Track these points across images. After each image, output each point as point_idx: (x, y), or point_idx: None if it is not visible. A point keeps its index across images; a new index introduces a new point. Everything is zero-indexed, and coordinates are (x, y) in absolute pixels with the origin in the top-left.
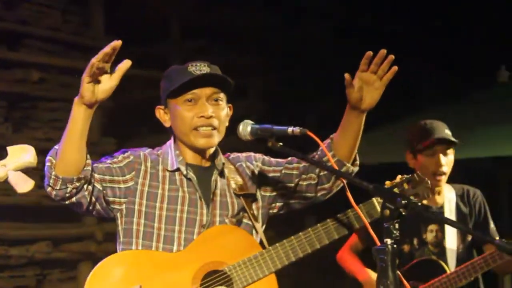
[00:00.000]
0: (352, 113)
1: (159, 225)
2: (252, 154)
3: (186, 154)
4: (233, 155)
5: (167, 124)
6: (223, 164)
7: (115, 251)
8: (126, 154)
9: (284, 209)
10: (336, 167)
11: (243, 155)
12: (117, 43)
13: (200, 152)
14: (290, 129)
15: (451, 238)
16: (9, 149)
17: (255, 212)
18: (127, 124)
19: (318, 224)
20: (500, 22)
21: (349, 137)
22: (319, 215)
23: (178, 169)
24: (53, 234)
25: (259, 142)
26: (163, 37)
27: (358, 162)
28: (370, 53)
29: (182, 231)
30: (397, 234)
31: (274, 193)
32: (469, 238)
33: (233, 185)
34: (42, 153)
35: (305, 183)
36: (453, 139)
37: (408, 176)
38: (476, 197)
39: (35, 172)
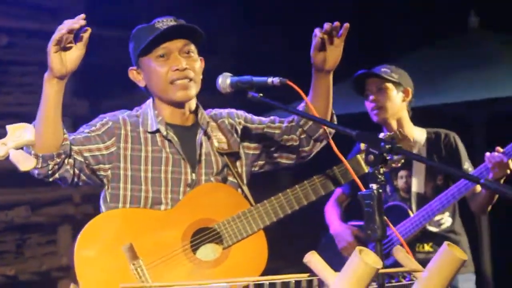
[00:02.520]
0: (319, 75)
1: (145, 187)
2: (234, 110)
3: (165, 113)
4: (215, 111)
5: (142, 84)
6: (208, 122)
7: (95, 213)
8: (104, 121)
9: (265, 168)
10: (315, 122)
11: (225, 111)
12: (82, 21)
13: (180, 108)
14: (270, 80)
15: (418, 183)
16: (8, 127)
17: (239, 170)
18: (98, 85)
19: (305, 181)
20: None
21: (321, 98)
22: (295, 173)
23: (158, 130)
24: (31, 199)
25: (237, 95)
26: None
27: (335, 118)
28: (328, 26)
29: (168, 191)
30: (382, 179)
31: (257, 151)
32: (439, 182)
33: (216, 143)
34: (14, 118)
35: (287, 143)
36: (379, 72)
37: (391, 133)
38: (447, 140)
39: None
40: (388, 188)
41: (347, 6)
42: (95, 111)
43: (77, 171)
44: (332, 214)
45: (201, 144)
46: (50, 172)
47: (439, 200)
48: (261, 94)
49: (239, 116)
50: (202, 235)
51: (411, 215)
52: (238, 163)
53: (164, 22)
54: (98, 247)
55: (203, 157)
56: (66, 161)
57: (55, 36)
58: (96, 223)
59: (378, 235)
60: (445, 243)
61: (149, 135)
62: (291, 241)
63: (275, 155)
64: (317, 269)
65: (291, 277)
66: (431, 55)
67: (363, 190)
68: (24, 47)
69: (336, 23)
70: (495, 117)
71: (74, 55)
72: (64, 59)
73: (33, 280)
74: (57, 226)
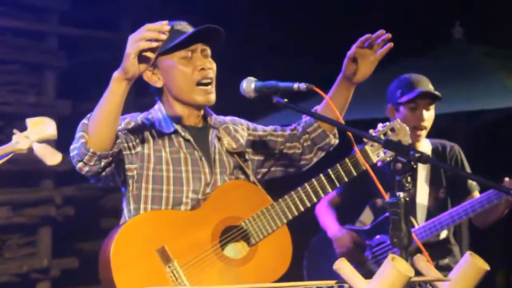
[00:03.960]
0: (343, 84)
1: (167, 187)
2: (236, 118)
3: (179, 115)
4: (218, 117)
5: (158, 84)
6: (219, 122)
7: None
8: (126, 121)
9: (267, 176)
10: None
11: (228, 118)
12: (167, 27)
13: (196, 110)
14: (296, 85)
15: (422, 194)
16: (29, 121)
17: (249, 170)
18: (82, 85)
19: (321, 174)
20: None
21: (338, 107)
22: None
23: (175, 131)
24: (12, 199)
25: (263, 99)
26: None
27: (337, 135)
28: (369, 35)
29: (190, 190)
30: (410, 187)
31: (261, 158)
32: (441, 195)
33: (226, 144)
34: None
35: (290, 151)
36: (436, 93)
37: (390, 123)
38: (452, 152)
39: None
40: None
41: (331, 16)
42: (79, 112)
43: (116, 170)
44: (328, 217)
45: (214, 145)
46: (100, 169)
47: (449, 215)
48: (286, 100)
49: (242, 123)
50: (230, 234)
51: (416, 226)
52: (247, 164)
53: (183, 25)
54: (133, 253)
55: (216, 156)
56: (113, 159)
57: (141, 45)
58: (128, 229)
59: (405, 243)
60: (468, 252)
61: (166, 137)
62: None
63: (277, 163)
64: (347, 276)
65: (321, 284)
66: (415, 66)
67: (378, 182)
68: (9, 46)
69: (381, 31)
70: (479, 128)
71: (152, 56)
72: (137, 62)
73: (12, 281)
74: (37, 227)
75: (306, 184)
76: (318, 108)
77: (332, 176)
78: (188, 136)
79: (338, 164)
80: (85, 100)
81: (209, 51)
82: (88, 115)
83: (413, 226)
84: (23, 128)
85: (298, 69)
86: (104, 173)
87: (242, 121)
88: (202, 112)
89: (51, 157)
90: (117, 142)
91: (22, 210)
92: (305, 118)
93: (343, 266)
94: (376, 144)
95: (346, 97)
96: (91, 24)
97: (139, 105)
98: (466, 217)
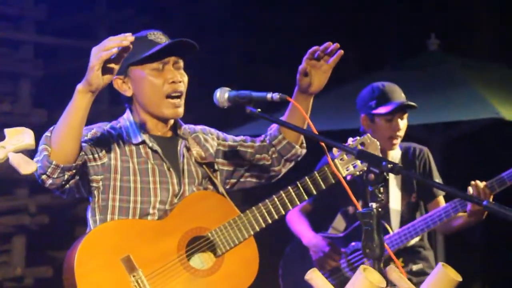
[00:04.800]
0: (300, 96)
1: (134, 198)
2: (206, 127)
3: (148, 125)
4: (187, 126)
5: (128, 94)
6: (188, 133)
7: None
8: (92, 131)
9: (236, 186)
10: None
11: (198, 127)
12: (131, 37)
13: (164, 121)
14: (269, 95)
15: (395, 199)
16: (7, 131)
17: (218, 181)
18: (58, 94)
19: (289, 186)
20: None
21: (298, 119)
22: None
23: (143, 142)
24: None
25: (236, 108)
26: (91, 7)
27: (305, 144)
28: (316, 48)
29: (157, 201)
30: (382, 197)
31: (231, 168)
32: (413, 199)
33: (195, 154)
34: None
35: (259, 162)
36: (414, 104)
37: (360, 138)
38: (421, 155)
39: None
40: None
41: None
42: (54, 121)
43: (80, 182)
44: (300, 224)
45: (182, 155)
46: (63, 182)
47: (423, 221)
48: (259, 110)
49: (212, 133)
50: (196, 244)
51: (391, 232)
52: (215, 174)
53: (157, 35)
54: (97, 261)
55: (185, 167)
56: (77, 172)
57: (104, 55)
58: (92, 238)
59: (377, 254)
60: (440, 263)
61: (133, 147)
62: None
63: (247, 174)
64: (319, 286)
65: None
66: (390, 77)
67: (349, 192)
68: None
69: (328, 44)
70: (455, 139)
71: (111, 70)
72: (101, 74)
73: None
74: (11, 236)
75: (274, 196)
76: (283, 118)
77: (301, 188)
78: (156, 147)
79: (306, 177)
80: (61, 109)
81: (181, 63)
82: (52, 127)
83: (388, 233)
84: None
85: (273, 79)
86: (68, 186)
87: (212, 130)
88: (171, 122)
89: (26, 166)
90: (80, 154)
91: None
92: (270, 130)
93: (314, 277)
94: (345, 157)
95: (306, 109)
96: (67, 33)
97: (115, 114)
98: (440, 222)
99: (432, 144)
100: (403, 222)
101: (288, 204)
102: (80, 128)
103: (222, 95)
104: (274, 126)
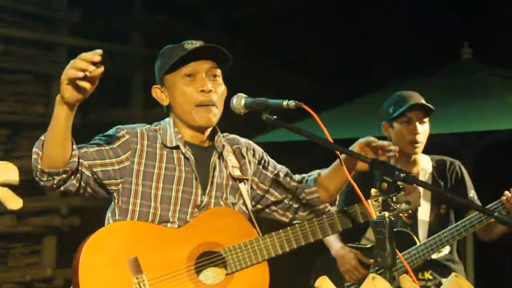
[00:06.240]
0: (344, 168)
1: (155, 204)
2: (252, 142)
3: (184, 132)
4: (232, 136)
5: (165, 103)
6: (223, 146)
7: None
8: (121, 133)
9: (260, 213)
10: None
11: (244, 140)
12: (98, 57)
13: (199, 130)
14: (285, 102)
15: (424, 211)
16: None
17: (248, 198)
18: (91, 96)
19: (314, 219)
20: None
21: (336, 185)
22: None
23: (177, 147)
24: (17, 208)
25: (253, 115)
26: (125, 11)
27: (336, 203)
28: (374, 141)
29: (177, 210)
30: (395, 207)
31: (262, 193)
32: (442, 211)
33: (230, 168)
34: (7, 126)
35: (289, 202)
36: (428, 105)
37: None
38: (453, 168)
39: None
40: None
41: (343, 34)
42: (87, 123)
43: (83, 185)
44: (331, 236)
45: (214, 167)
46: (55, 185)
47: (449, 231)
48: (275, 117)
49: (256, 150)
50: (207, 258)
51: (418, 243)
52: (247, 192)
53: (194, 44)
54: (104, 256)
55: (215, 180)
56: (72, 176)
57: (70, 74)
58: (105, 232)
59: (388, 263)
60: (453, 274)
61: (165, 152)
62: (283, 261)
63: (274, 207)
64: None
65: None
66: (423, 85)
67: (371, 214)
68: (18, 55)
69: (388, 144)
70: (484, 149)
71: (86, 86)
72: (76, 89)
73: None
74: (42, 236)
75: (297, 225)
76: (322, 175)
77: (326, 222)
78: (189, 154)
79: (334, 212)
80: (93, 110)
81: (217, 72)
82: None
83: (414, 244)
84: (30, 138)
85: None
86: (62, 188)
87: (257, 148)
88: (208, 132)
89: (12, 202)
90: (71, 161)
91: (27, 219)
92: (309, 176)
93: (324, 284)
94: (379, 201)
95: (345, 178)
96: (100, 36)
97: (148, 118)
98: (466, 233)
99: (464, 154)
100: (431, 234)
101: (310, 236)
102: (63, 136)
103: (238, 101)
104: (312, 175)
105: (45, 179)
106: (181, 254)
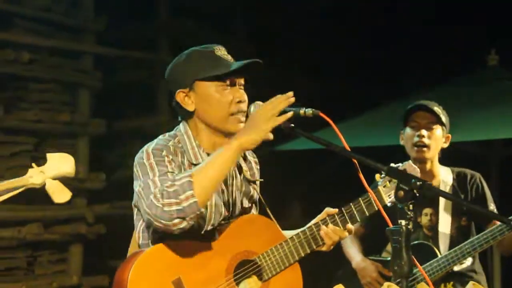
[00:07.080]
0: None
1: None
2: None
3: (205, 142)
4: None
5: (190, 108)
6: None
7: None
8: (163, 153)
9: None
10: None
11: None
12: (292, 99)
13: (226, 137)
14: (302, 110)
15: (444, 223)
16: (49, 156)
17: (262, 199)
18: (116, 105)
19: (334, 213)
20: (490, 5)
21: None
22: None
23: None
24: (44, 216)
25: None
26: (151, 19)
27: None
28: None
29: (211, 220)
30: (411, 215)
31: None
32: (463, 223)
33: (244, 171)
34: (31, 134)
35: None
36: (432, 108)
37: (401, 164)
38: (473, 180)
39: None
40: (410, 224)
41: (367, 41)
42: (112, 131)
43: None
44: (351, 248)
45: (233, 176)
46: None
47: (470, 244)
48: (293, 125)
49: (255, 158)
50: (244, 269)
51: (439, 255)
52: (257, 193)
53: (222, 51)
54: (149, 282)
55: (234, 188)
56: None
57: (280, 119)
58: (146, 259)
59: (405, 272)
60: (471, 282)
61: (192, 167)
62: (303, 273)
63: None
64: None
65: None
66: (450, 92)
67: (388, 221)
68: (44, 64)
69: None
70: (511, 156)
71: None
72: None
73: None
74: (69, 244)
75: (320, 221)
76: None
77: (345, 214)
78: None
79: (351, 203)
80: (119, 119)
81: (243, 81)
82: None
83: (435, 256)
84: (56, 146)
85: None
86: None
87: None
88: (226, 140)
89: (60, 195)
90: None
91: (54, 227)
92: None
93: None
94: (389, 184)
95: None
96: (127, 44)
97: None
98: (487, 245)
99: (490, 161)
100: (452, 246)
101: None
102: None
103: (256, 110)
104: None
105: (193, 221)
106: (220, 267)
